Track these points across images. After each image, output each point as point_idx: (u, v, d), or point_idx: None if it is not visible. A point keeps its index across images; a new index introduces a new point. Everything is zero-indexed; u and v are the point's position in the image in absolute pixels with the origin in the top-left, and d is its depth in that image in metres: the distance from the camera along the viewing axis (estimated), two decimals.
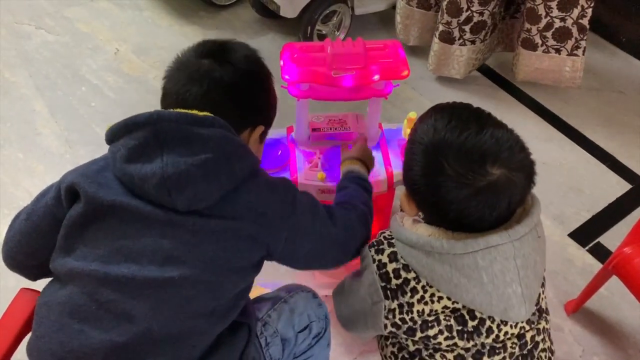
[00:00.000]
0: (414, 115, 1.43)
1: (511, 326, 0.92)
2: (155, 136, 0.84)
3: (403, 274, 0.92)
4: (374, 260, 0.95)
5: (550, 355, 1.02)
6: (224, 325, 0.90)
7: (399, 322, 0.93)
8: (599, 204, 1.88)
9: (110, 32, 2.41)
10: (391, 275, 0.93)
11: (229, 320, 0.91)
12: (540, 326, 0.97)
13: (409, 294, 0.91)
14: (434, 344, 0.93)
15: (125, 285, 0.83)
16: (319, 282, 1.54)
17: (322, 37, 2.29)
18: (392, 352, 1.01)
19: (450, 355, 0.93)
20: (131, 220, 0.85)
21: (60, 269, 0.88)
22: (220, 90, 0.94)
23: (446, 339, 0.91)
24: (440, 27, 2.05)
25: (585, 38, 2.00)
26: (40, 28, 2.41)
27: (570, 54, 2.04)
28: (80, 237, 0.87)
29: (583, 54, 2.05)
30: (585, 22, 1.97)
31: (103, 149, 2.10)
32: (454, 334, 0.91)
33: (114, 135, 0.88)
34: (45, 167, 1.90)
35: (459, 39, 2.05)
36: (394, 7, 2.30)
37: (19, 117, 2.06)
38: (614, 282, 1.43)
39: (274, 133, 1.50)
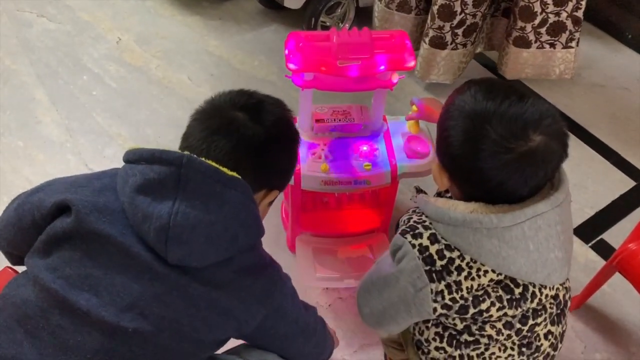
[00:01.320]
0: (414, 109, 1.42)
1: (550, 289, 0.96)
2: (176, 178, 0.81)
3: (447, 253, 0.92)
4: (413, 246, 0.94)
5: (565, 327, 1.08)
6: None
7: (450, 303, 0.93)
8: (602, 200, 1.87)
9: (112, 21, 2.39)
10: (435, 257, 0.93)
11: None
12: (568, 285, 1.02)
13: (455, 273, 0.92)
14: (485, 317, 0.94)
15: (78, 317, 0.80)
16: (320, 275, 1.53)
17: (326, 28, 2.28)
18: (437, 333, 1.02)
19: (499, 325, 0.96)
20: (113, 254, 0.82)
21: (31, 269, 0.86)
22: (247, 149, 0.89)
23: (498, 309, 0.93)
24: (431, 33, 1.97)
25: (579, 30, 1.98)
26: (42, 16, 2.39)
27: (564, 47, 2.02)
28: (58, 249, 0.84)
29: (577, 45, 2.02)
30: (579, 14, 1.94)
31: (103, 138, 2.09)
32: (505, 303, 0.93)
33: (137, 158, 0.85)
34: (45, 155, 1.89)
35: (451, 43, 1.98)
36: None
37: (19, 105, 2.04)
38: (617, 278, 1.42)
39: None
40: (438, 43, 1.99)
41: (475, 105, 0.88)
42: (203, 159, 0.84)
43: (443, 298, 0.93)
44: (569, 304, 1.03)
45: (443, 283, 0.92)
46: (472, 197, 0.91)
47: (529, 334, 0.98)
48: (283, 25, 2.41)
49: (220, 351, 1.03)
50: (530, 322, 0.96)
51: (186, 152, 0.83)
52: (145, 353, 0.81)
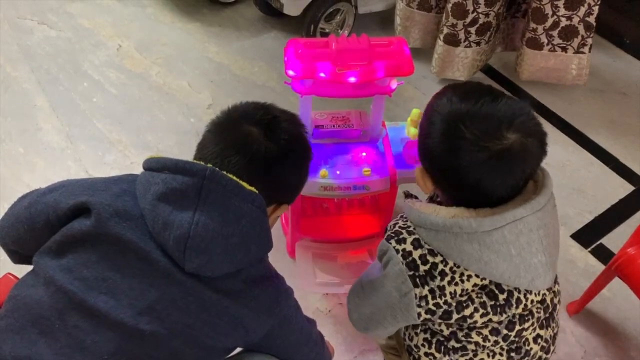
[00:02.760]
0: (417, 112, 1.42)
1: (535, 294, 0.96)
2: (198, 189, 0.83)
3: (430, 258, 0.93)
4: (397, 251, 0.95)
5: (557, 329, 1.08)
6: None
7: (434, 308, 0.94)
8: (601, 205, 1.87)
9: (112, 28, 2.40)
10: (418, 262, 0.94)
11: None
12: (556, 289, 1.02)
13: (438, 278, 0.93)
14: (470, 323, 0.95)
15: (96, 318, 0.81)
16: (320, 280, 1.54)
17: (325, 35, 2.28)
18: (425, 339, 1.02)
19: (485, 331, 0.96)
20: (131, 258, 0.83)
21: (43, 269, 0.86)
22: (259, 165, 0.90)
23: (482, 315, 0.94)
24: (445, 30, 2.03)
25: (591, 36, 2.00)
26: (43, 23, 2.41)
27: (576, 52, 2.04)
28: (74, 250, 0.85)
29: (589, 52, 2.04)
30: (592, 19, 1.96)
31: (103, 145, 2.09)
32: (489, 309, 0.93)
33: (160, 166, 0.86)
34: (45, 162, 1.90)
35: (464, 41, 2.04)
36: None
37: (20, 111, 2.05)
38: (617, 283, 1.42)
39: None
40: (451, 40, 2.04)
41: (450, 107, 0.89)
42: (224, 172, 0.85)
43: (427, 303, 0.94)
44: (558, 307, 1.03)
45: (427, 288, 0.93)
46: (455, 200, 0.93)
47: (516, 339, 0.98)
48: (282, 32, 2.43)
49: None
50: (517, 327, 0.97)
51: (210, 165, 0.85)
52: (159, 356, 0.83)
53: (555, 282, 1.03)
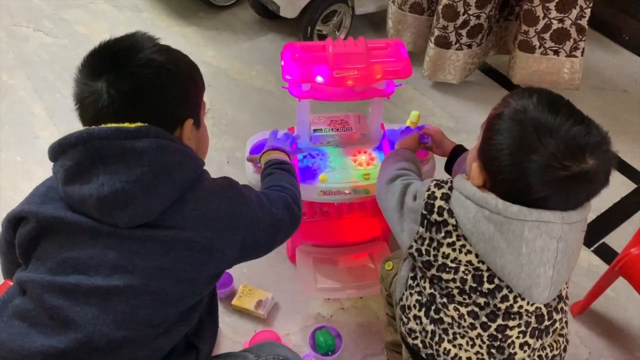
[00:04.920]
0: (416, 113, 1.41)
1: (528, 303, 0.95)
2: (89, 155, 0.83)
3: (446, 215, 0.95)
4: (428, 189, 0.98)
5: (566, 344, 1.06)
6: (170, 341, 0.88)
7: (424, 252, 0.98)
8: (604, 204, 1.86)
9: (108, 33, 2.34)
10: (435, 209, 0.97)
11: (176, 335, 0.89)
12: (559, 306, 1.00)
13: (442, 234, 0.95)
14: (447, 288, 0.97)
15: (70, 292, 0.82)
16: (321, 285, 1.52)
17: (322, 37, 2.28)
18: (418, 300, 1.04)
19: (463, 310, 0.97)
20: (77, 233, 0.84)
21: (17, 281, 0.89)
22: (127, 106, 0.87)
23: (458, 289, 0.96)
24: (436, 32, 2.00)
25: (584, 39, 1.98)
26: (39, 30, 2.40)
27: (568, 55, 2.02)
28: (33, 253, 0.88)
29: (582, 55, 2.02)
30: (584, 22, 1.94)
31: None
32: (466, 288, 0.95)
33: (53, 155, 0.87)
34: (43, 170, 1.88)
35: (455, 44, 2.01)
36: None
37: (17, 119, 2.04)
38: (621, 283, 1.41)
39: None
40: (442, 43, 2.02)
41: (537, 114, 0.87)
42: (101, 126, 0.84)
43: (422, 244, 0.98)
44: (557, 325, 1.01)
45: (428, 234, 0.97)
46: (508, 198, 0.90)
47: (499, 335, 0.97)
48: (279, 34, 2.42)
49: (225, 350, 1.02)
50: (500, 321, 0.96)
51: (82, 128, 0.85)
52: (143, 303, 0.84)
53: (564, 303, 1.02)
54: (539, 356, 1.01)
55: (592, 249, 1.74)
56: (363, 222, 1.63)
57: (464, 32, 1.98)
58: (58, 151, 0.86)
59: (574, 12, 1.91)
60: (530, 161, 0.85)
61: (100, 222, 0.84)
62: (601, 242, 1.75)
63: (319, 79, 1.25)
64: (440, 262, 0.96)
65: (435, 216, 0.96)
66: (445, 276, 0.96)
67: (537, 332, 0.99)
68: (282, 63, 1.27)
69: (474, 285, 0.94)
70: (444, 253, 0.96)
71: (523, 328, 0.97)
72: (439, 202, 0.96)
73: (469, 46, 2.03)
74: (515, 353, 0.98)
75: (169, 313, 0.86)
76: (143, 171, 0.83)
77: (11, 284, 1.07)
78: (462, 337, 1.00)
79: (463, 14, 1.93)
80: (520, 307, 0.95)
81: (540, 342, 1.00)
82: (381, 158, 1.43)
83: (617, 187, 1.92)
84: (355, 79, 1.25)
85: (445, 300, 0.99)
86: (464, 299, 0.97)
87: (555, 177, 0.85)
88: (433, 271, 0.97)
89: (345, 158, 1.43)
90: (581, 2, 1.89)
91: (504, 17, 2.11)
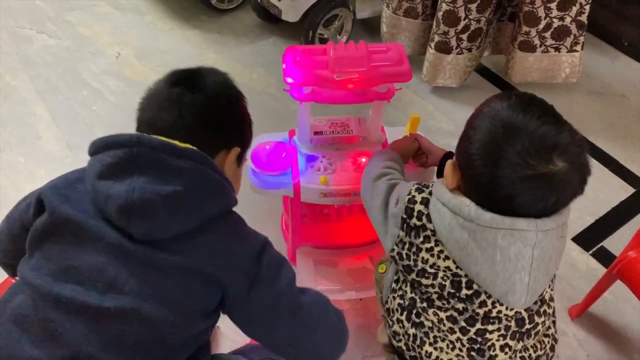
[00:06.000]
0: (416, 116, 1.42)
1: (507, 308, 0.95)
2: (130, 158, 0.84)
3: (424, 220, 0.96)
4: (409, 193, 1.00)
5: (553, 342, 1.06)
6: None
7: (404, 256, 0.99)
8: (602, 208, 1.87)
9: (111, 36, 2.41)
10: (414, 214, 0.97)
11: None
12: (542, 309, 0.99)
13: (421, 239, 0.96)
14: (425, 292, 0.98)
15: (63, 305, 0.81)
16: (321, 287, 1.53)
17: (323, 41, 2.29)
18: (399, 305, 1.05)
19: (442, 314, 0.98)
20: (84, 240, 0.84)
21: (20, 274, 0.88)
22: (190, 115, 0.92)
23: (437, 294, 0.96)
24: (437, 38, 2.01)
25: (583, 34, 1.99)
26: (42, 32, 2.41)
27: (569, 51, 2.03)
28: (40, 247, 0.87)
29: (582, 49, 2.03)
30: (583, 18, 1.96)
31: None
32: (445, 293, 0.95)
33: (95, 149, 0.88)
34: (46, 171, 1.90)
35: (456, 48, 2.02)
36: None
37: (19, 121, 2.05)
38: (619, 286, 1.42)
39: (276, 136, 1.49)
40: (443, 48, 2.02)
41: (509, 112, 0.87)
42: (153, 135, 0.86)
43: (402, 248, 0.99)
44: (540, 327, 1.00)
45: (408, 239, 0.97)
46: (479, 201, 0.90)
47: (479, 339, 0.97)
48: (281, 37, 2.43)
49: (225, 351, 1.01)
50: (479, 326, 0.96)
51: (136, 132, 0.87)
52: (132, 330, 0.82)
53: (547, 305, 1.01)
54: (522, 357, 1.00)
55: (590, 252, 1.74)
56: (363, 225, 1.63)
57: (464, 36, 1.99)
58: (100, 147, 0.86)
59: (574, 9, 1.93)
60: (499, 158, 0.85)
61: (113, 230, 0.83)
62: (599, 245, 1.76)
63: (320, 81, 1.26)
64: (419, 267, 0.96)
65: (414, 220, 0.97)
66: (424, 281, 0.96)
67: (517, 334, 0.98)
68: (284, 66, 1.28)
69: (452, 291, 0.94)
70: (422, 258, 0.96)
71: (503, 332, 0.97)
72: (418, 207, 0.97)
73: (469, 50, 2.04)
74: (496, 355, 0.98)
75: (158, 343, 0.84)
76: (175, 190, 0.83)
77: (12, 281, 1.07)
78: (442, 340, 1.00)
79: (464, 19, 1.94)
80: (499, 312, 0.95)
81: (522, 343, 1.00)
82: None
83: (616, 191, 1.93)
84: (356, 82, 1.26)
85: (425, 304, 0.99)
86: (443, 304, 0.97)
87: (519, 175, 0.84)
88: (413, 276, 0.98)
89: (345, 160, 1.44)
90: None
91: (497, 18, 2.13)
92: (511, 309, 0.95)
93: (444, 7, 1.92)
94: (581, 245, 1.76)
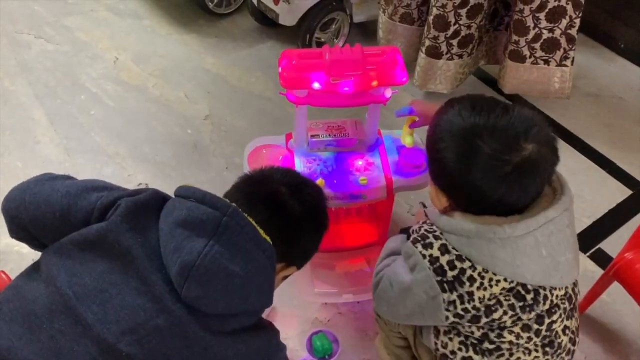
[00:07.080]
0: (413, 119, 1.43)
1: (559, 289, 0.97)
2: (218, 224, 0.85)
3: (458, 264, 0.93)
4: (424, 256, 0.95)
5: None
6: None
7: (462, 312, 0.95)
8: (599, 210, 1.87)
9: (109, 40, 2.41)
10: (446, 267, 0.94)
11: None
12: (575, 280, 1.04)
13: (467, 284, 0.93)
14: (499, 323, 0.95)
15: (81, 326, 0.82)
16: (318, 290, 1.54)
17: (320, 44, 2.29)
18: (461, 342, 1.02)
19: (517, 329, 0.97)
20: (132, 276, 0.84)
21: (48, 265, 0.87)
22: (281, 220, 0.94)
23: (511, 317, 0.95)
24: (427, 42, 2.00)
25: (573, 48, 1.99)
26: (40, 37, 2.42)
27: (559, 65, 2.02)
28: (84, 253, 0.86)
29: (572, 64, 2.02)
30: (573, 32, 1.95)
31: (101, 157, 2.09)
32: (517, 310, 0.94)
33: (188, 194, 0.89)
34: None
35: (446, 54, 2.01)
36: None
37: (18, 125, 2.06)
38: (616, 288, 1.42)
39: (273, 139, 1.50)
40: (433, 53, 2.02)
41: (462, 123, 0.88)
42: (246, 215, 0.88)
43: (455, 307, 0.94)
44: (578, 296, 1.05)
45: (455, 294, 0.93)
46: (478, 212, 0.92)
47: (548, 333, 0.99)
48: (278, 41, 2.44)
49: None
50: (547, 320, 0.97)
51: (234, 204, 0.88)
52: None
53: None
54: (572, 332, 1.04)
55: (587, 254, 1.75)
56: (360, 227, 1.64)
57: (454, 42, 1.98)
58: (198, 199, 0.88)
59: (564, 22, 1.92)
60: (474, 168, 0.87)
61: (162, 280, 0.83)
62: (597, 247, 1.76)
63: (316, 85, 1.27)
64: (484, 309, 0.94)
65: (450, 273, 0.93)
66: (496, 315, 0.95)
67: (570, 312, 1.02)
68: (280, 70, 1.29)
69: (521, 304, 0.94)
70: (479, 298, 0.93)
71: (562, 315, 1.00)
72: (443, 259, 0.94)
73: (460, 56, 2.03)
74: (562, 340, 1.01)
75: None
76: (239, 274, 0.84)
77: (4, 277, 1.05)
78: (517, 351, 1.00)
79: (454, 24, 1.93)
80: (556, 297, 0.97)
81: (573, 320, 1.03)
82: (378, 163, 1.44)
83: (613, 193, 1.93)
84: (352, 86, 1.27)
85: (498, 331, 0.98)
86: (514, 322, 0.97)
87: (500, 174, 0.86)
88: (484, 319, 0.95)
89: (342, 163, 1.44)
90: (570, 12, 1.90)
91: (493, 27, 2.12)
92: (562, 289, 0.98)
93: (435, 11, 1.92)
94: (578, 247, 1.76)
